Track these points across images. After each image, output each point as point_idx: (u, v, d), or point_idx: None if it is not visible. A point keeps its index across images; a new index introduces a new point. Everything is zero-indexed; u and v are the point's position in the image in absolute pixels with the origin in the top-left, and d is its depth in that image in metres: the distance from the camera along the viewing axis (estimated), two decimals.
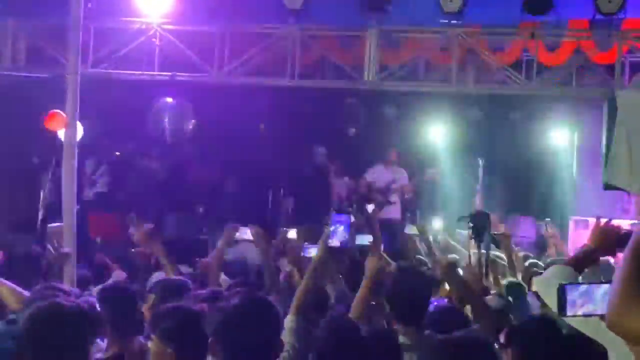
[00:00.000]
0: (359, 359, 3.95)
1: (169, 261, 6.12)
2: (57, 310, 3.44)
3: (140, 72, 11.60)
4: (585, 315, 2.71)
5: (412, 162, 13.54)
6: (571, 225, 12.41)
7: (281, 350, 3.44)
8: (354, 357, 3.91)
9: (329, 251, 4.55)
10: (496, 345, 4.94)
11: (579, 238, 11.59)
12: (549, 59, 11.26)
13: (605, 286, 2.64)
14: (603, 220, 3.83)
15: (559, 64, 11.28)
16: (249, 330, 3.33)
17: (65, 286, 5.47)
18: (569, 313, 2.68)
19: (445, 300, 5.48)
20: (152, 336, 3.68)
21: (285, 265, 6.58)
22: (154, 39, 11.37)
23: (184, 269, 7.30)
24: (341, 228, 4.49)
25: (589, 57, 11.15)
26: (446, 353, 3.50)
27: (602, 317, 2.65)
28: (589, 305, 2.67)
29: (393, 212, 12.49)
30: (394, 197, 12.54)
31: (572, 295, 2.66)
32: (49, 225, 9.49)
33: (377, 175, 12.74)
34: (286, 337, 3.99)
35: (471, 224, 10.99)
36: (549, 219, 11.79)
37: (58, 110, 8.14)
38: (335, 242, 4.48)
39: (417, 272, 5.46)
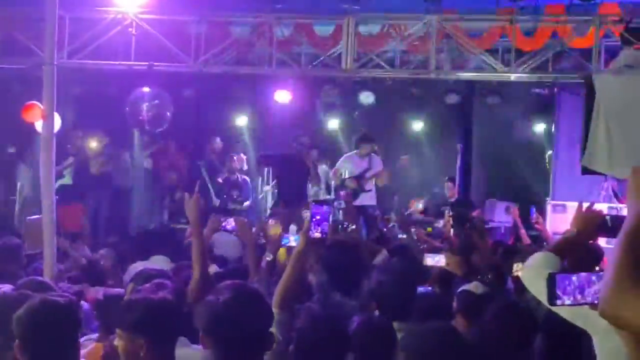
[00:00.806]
0: (338, 349, 3.95)
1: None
2: (53, 307, 3.53)
3: (117, 62, 11.51)
4: (574, 305, 2.71)
5: (388, 149, 13.56)
6: (549, 209, 12.47)
7: (272, 343, 3.43)
8: (333, 348, 3.92)
9: (310, 242, 4.55)
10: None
11: (557, 222, 11.66)
12: (526, 45, 11.27)
13: (594, 276, 2.64)
14: (585, 205, 3.84)
15: (536, 49, 11.30)
16: (241, 324, 3.32)
17: (48, 280, 5.45)
18: (558, 302, 2.67)
19: (429, 288, 5.50)
20: (118, 330, 3.59)
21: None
22: (130, 29, 11.27)
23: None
24: (321, 219, 4.50)
25: (565, 42, 11.17)
26: (420, 345, 3.52)
27: (591, 306, 2.65)
28: (579, 295, 2.66)
29: (369, 199, 12.50)
30: (369, 185, 12.55)
31: (563, 284, 2.65)
32: (28, 218, 9.42)
33: (352, 162, 12.71)
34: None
35: (452, 213, 11.13)
36: (514, 204, 11.90)
37: (35, 102, 8.08)
38: (316, 233, 4.49)
39: (404, 264, 5.53)
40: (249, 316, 3.34)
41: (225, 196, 13.13)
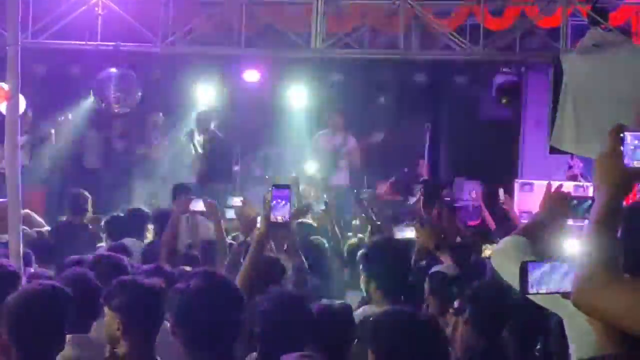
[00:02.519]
0: (301, 333, 3.93)
1: None
2: (49, 293, 3.61)
3: (83, 43, 11.36)
4: (547, 294, 2.71)
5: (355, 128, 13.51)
6: (516, 187, 12.54)
7: (242, 330, 3.42)
8: (297, 332, 3.90)
9: (271, 226, 4.59)
10: (451, 311, 5.01)
11: (524, 200, 11.72)
12: (494, 24, 11.28)
13: (567, 265, 2.64)
14: (555, 184, 3.84)
15: (504, 29, 11.31)
16: (211, 312, 3.30)
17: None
18: (530, 291, 2.68)
19: None
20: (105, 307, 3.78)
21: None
22: (96, 8, 11.12)
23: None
24: (282, 203, 4.51)
25: (533, 21, 11.19)
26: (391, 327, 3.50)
27: (563, 295, 2.65)
28: (550, 284, 2.67)
29: (341, 178, 12.49)
30: (342, 163, 12.52)
31: (535, 273, 2.65)
32: None
33: (324, 140, 12.68)
34: None
35: (422, 192, 11.14)
36: (480, 184, 11.90)
37: None
38: (277, 218, 4.51)
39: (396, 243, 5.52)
40: (220, 304, 3.33)
41: None
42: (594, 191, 2.30)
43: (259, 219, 5.06)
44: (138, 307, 3.67)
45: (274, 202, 4.49)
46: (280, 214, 4.49)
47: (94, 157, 13.19)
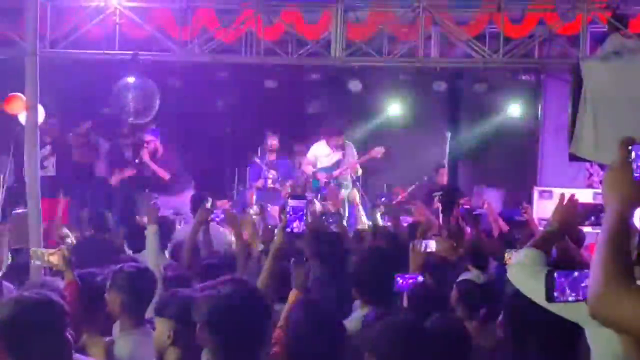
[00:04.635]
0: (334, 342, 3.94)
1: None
2: (45, 302, 3.48)
3: (100, 52, 11.40)
4: (571, 302, 2.71)
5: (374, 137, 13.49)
6: (535, 195, 12.52)
7: (270, 338, 3.45)
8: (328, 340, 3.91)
9: (288, 237, 4.71)
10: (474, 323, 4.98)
11: (543, 208, 11.69)
12: (514, 31, 11.24)
13: None
14: (567, 192, 3.86)
15: (523, 36, 11.27)
16: (240, 319, 3.35)
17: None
18: (556, 300, 2.67)
19: (419, 276, 5.43)
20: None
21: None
22: (114, 17, 11.16)
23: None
24: (299, 214, 4.59)
25: (552, 28, 11.15)
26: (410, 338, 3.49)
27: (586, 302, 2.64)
28: (574, 293, 2.67)
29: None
30: (342, 177, 12.48)
31: (561, 282, 2.65)
32: (14, 211, 9.33)
33: (321, 152, 12.58)
34: None
35: (441, 198, 11.10)
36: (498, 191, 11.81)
37: (18, 93, 7.98)
38: (294, 229, 4.59)
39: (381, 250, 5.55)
40: (248, 311, 3.37)
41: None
42: (604, 202, 2.30)
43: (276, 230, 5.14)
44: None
45: (290, 213, 4.57)
46: (297, 225, 4.56)
47: (106, 166, 13.18)
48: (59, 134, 12.23)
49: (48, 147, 12.00)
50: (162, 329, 3.88)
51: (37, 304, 3.46)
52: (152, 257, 6.08)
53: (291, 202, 4.65)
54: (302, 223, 4.60)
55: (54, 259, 5.01)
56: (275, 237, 4.92)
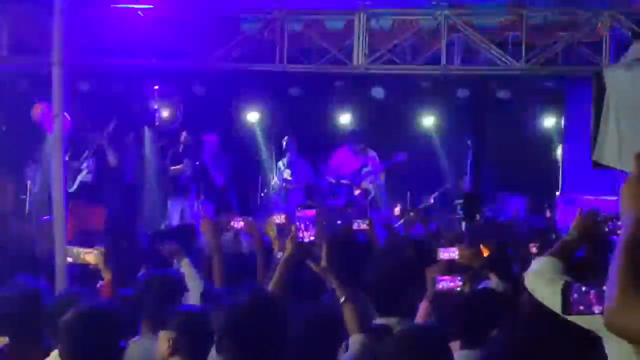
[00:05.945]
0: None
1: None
2: (104, 313, 3.68)
3: (125, 59, 11.48)
4: (588, 314, 2.70)
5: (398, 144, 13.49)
6: (559, 202, 12.47)
7: (286, 347, 3.48)
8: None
9: (298, 246, 4.72)
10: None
11: (567, 216, 11.63)
12: (537, 38, 11.23)
13: None
14: (587, 198, 3.89)
15: (546, 43, 11.26)
16: (258, 328, 3.39)
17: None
18: (574, 312, 2.67)
19: (458, 279, 5.37)
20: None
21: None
22: (139, 26, 11.25)
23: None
24: (309, 223, 4.67)
25: (575, 35, 11.13)
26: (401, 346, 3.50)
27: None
28: (592, 306, 2.66)
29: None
30: (365, 184, 12.49)
31: (578, 294, 2.64)
32: (41, 218, 9.41)
33: (344, 160, 12.61)
34: None
35: (463, 205, 11.10)
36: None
37: (44, 102, 8.07)
38: (305, 239, 4.66)
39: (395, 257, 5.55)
40: (266, 320, 3.42)
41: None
42: (621, 213, 2.31)
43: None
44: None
45: (301, 222, 4.64)
46: (307, 235, 4.63)
47: (131, 173, 13.24)
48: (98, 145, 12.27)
49: (86, 152, 11.98)
50: (163, 340, 3.95)
51: (103, 313, 3.59)
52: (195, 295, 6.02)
53: (301, 213, 4.73)
54: (311, 233, 4.64)
55: (90, 258, 5.07)
56: (287, 247, 4.93)
